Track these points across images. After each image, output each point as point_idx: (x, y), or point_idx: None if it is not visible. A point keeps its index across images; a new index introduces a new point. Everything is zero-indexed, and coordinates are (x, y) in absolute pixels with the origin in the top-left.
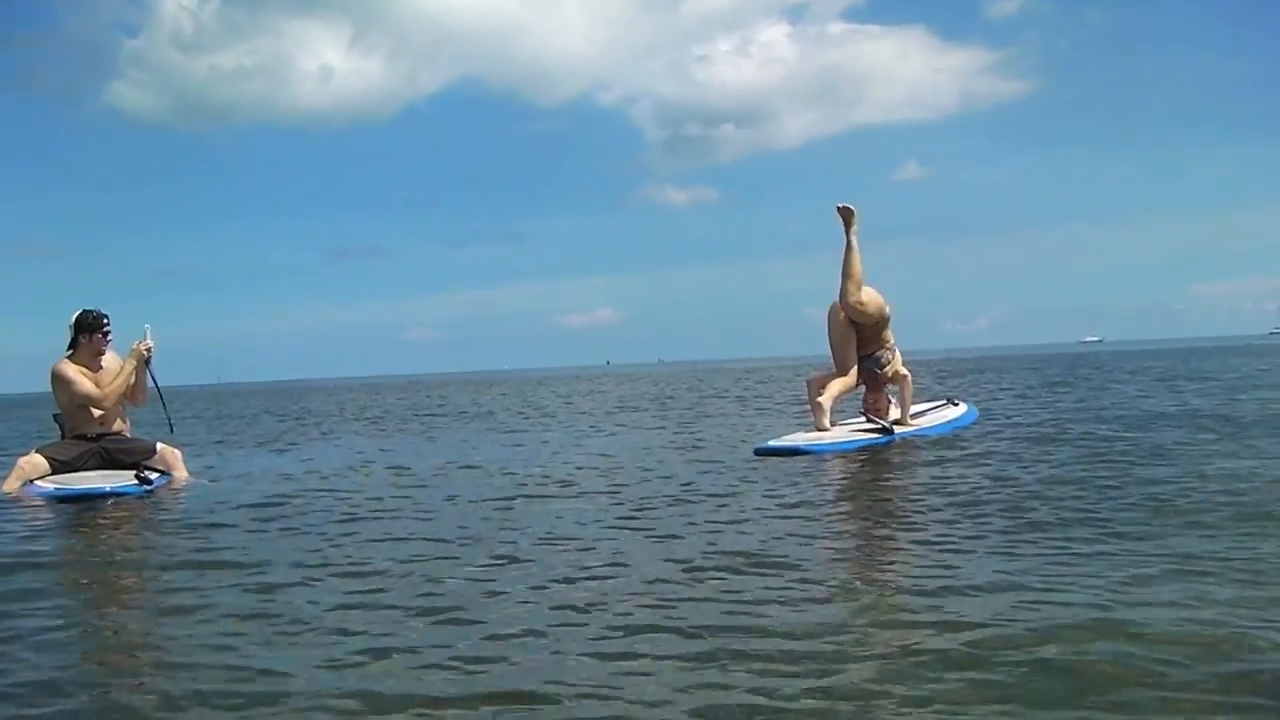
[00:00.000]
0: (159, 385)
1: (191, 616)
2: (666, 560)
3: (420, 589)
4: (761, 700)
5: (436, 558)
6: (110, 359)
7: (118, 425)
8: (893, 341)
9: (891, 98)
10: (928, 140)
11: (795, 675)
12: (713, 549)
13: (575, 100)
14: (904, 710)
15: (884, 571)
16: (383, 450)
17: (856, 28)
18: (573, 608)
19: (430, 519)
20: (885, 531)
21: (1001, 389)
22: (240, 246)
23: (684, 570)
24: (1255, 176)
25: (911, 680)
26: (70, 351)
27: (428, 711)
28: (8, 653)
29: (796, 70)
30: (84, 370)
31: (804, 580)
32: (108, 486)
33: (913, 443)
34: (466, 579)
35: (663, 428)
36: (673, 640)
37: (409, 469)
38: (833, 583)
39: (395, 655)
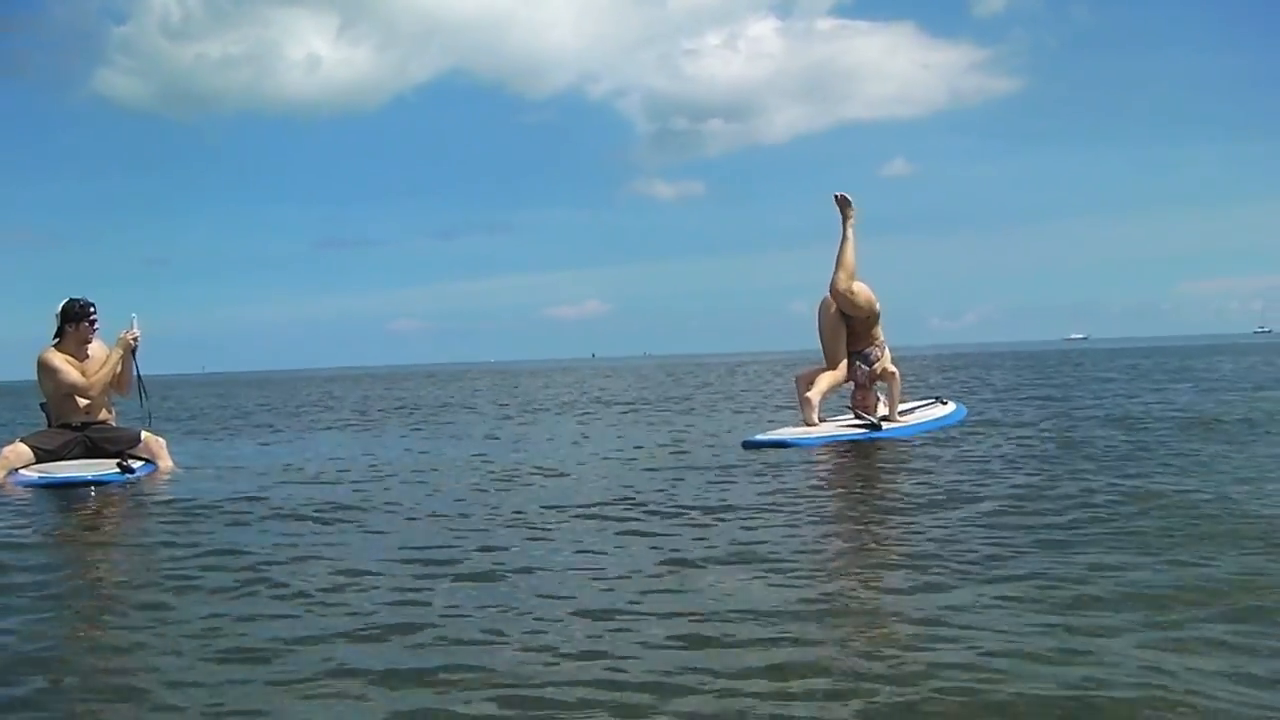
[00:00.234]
0: (141, 376)
1: (171, 602)
2: (652, 549)
3: (402, 579)
4: (747, 684)
5: (417, 548)
6: (97, 348)
7: (103, 414)
8: (883, 339)
9: (880, 94)
10: (915, 137)
11: (778, 663)
12: (698, 540)
13: (564, 92)
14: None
15: (863, 563)
16: (367, 441)
17: (845, 23)
18: (556, 597)
19: (412, 510)
20: (867, 524)
21: (987, 386)
22: (228, 235)
23: (668, 560)
24: (1243, 175)
25: (887, 668)
26: (56, 340)
27: (412, 694)
28: None
29: (785, 65)
30: (70, 359)
31: (786, 569)
32: (89, 475)
33: (899, 439)
34: (449, 566)
35: (650, 421)
36: (656, 629)
37: (392, 460)
38: (816, 573)
39: (378, 642)
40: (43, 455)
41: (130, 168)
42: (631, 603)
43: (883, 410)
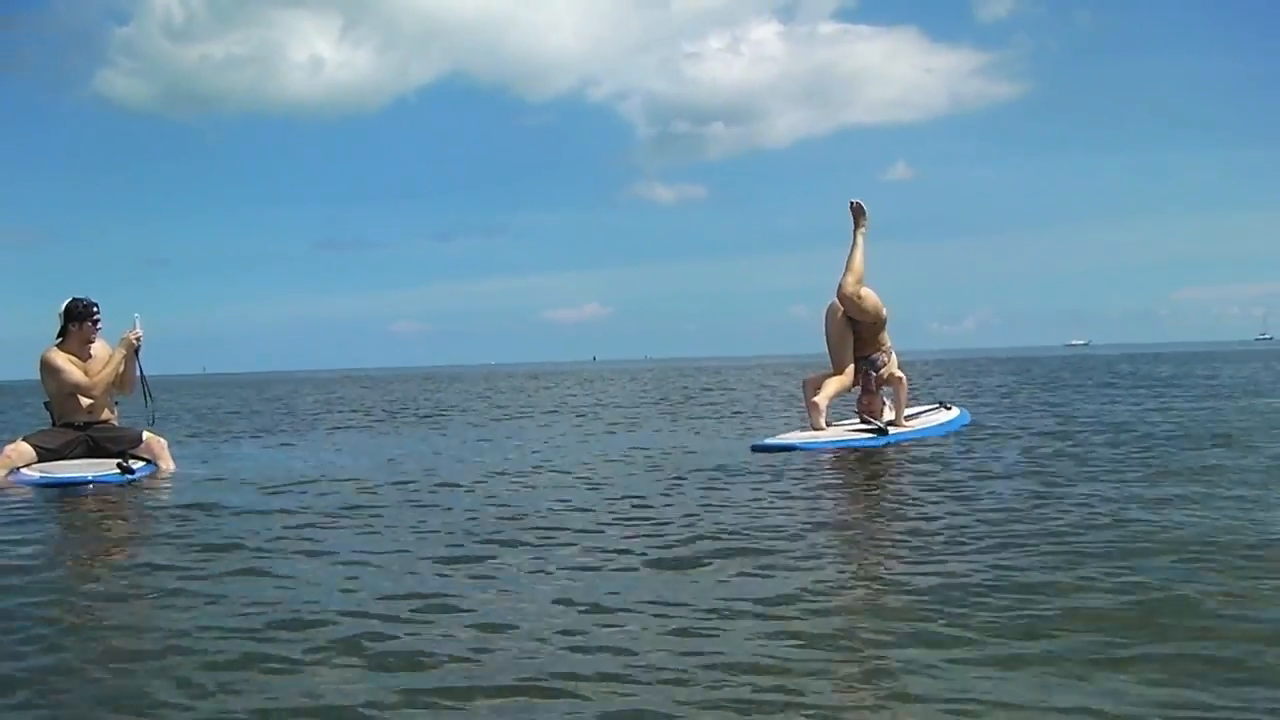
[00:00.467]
0: (145, 376)
1: (168, 601)
2: (663, 553)
3: (404, 576)
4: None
5: (420, 546)
6: (100, 347)
7: (106, 414)
8: (889, 344)
9: (881, 98)
10: (917, 141)
11: (780, 661)
12: (711, 545)
13: (565, 96)
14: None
15: (869, 565)
16: (369, 442)
17: (847, 28)
18: (563, 600)
19: (415, 509)
20: (874, 528)
21: (988, 391)
22: (228, 236)
23: (678, 564)
24: (1244, 181)
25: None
26: (60, 340)
27: (418, 695)
28: None
29: (787, 69)
30: (73, 359)
31: (792, 571)
32: (89, 475)
33: (906, 445)
34: (455, 567)
35: (654, 424)
36: (655, 632)
37: (395, 461)
38: (820, 579)
39: (384, 641)
40: (45, 454)
41: (131, 168)
42: (633, 605)
43: (888, 415)
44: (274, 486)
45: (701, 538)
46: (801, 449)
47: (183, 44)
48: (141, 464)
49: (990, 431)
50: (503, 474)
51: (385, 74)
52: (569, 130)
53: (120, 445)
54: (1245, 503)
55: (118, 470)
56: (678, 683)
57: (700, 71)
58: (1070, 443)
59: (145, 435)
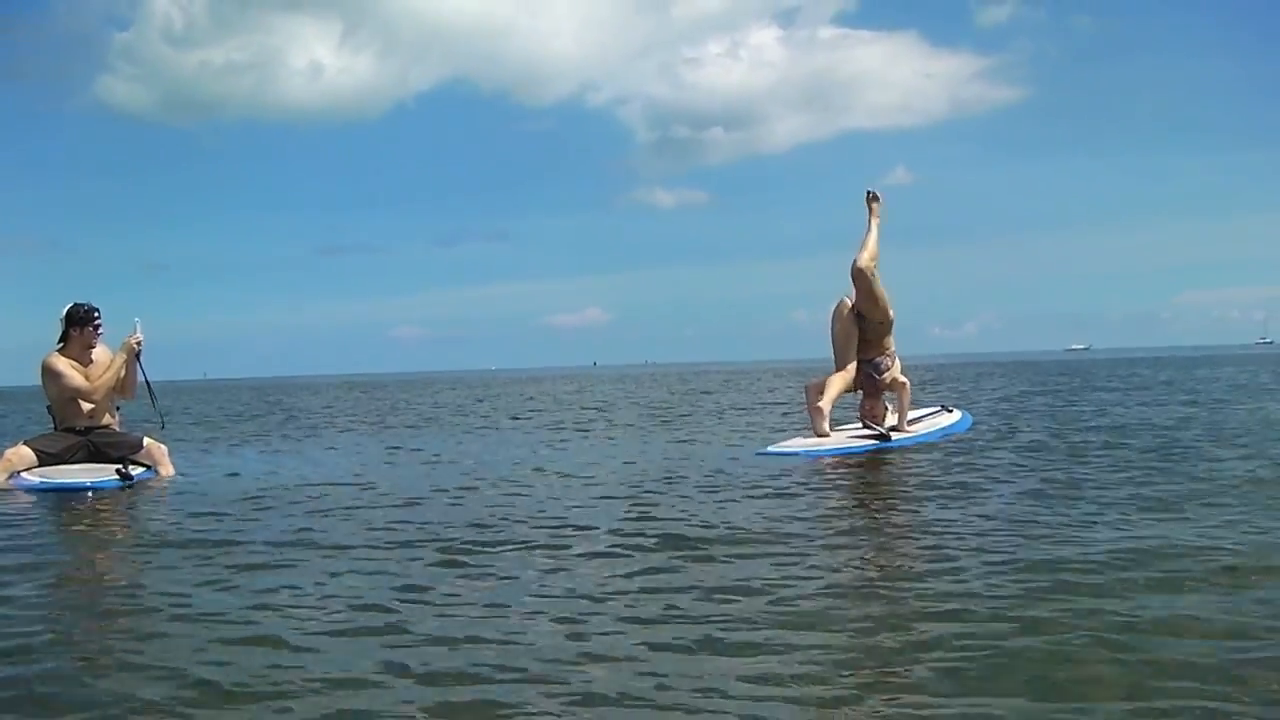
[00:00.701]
0: (149, 380)
1: (163, 607)
2: (659, 561)
3: (402, 579)
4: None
5: (418, 548)
6: (101, 352)
7: (107, 419)
8: (893, 349)
9: (881, 103)
10: (917, 146)
11: (783, 668)
12: (712, 551)
13: (565, 101)
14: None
15: (873, 574)
16: (368, 447)
17: (847, 32)
18: (565, 604)
19: (414, 513)
20: (879, 537)
21: (989, 395)
22: (228, 242)
23: (680, 569)
24: (1245, 185)
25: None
26: (61, 345)
27: (418, 692)
28: None
29: (787, 74)
30: (74, 363)
31: (796, 580)
32: (88, 481)
33: (910, 450)
34: (451, 570)
35: (659, 430)
36: (670, 642)
37: (394, 465)
38: (824, 586)
39: (383, 643)
40: (45, 459)
41: (131, 174)
42: (635, 608)
43: (891, 420)
44: (273, 491)
45: (705, 543)
46: (806, 456)
47: (183, 50)
48: (141, 470)
49: (991, 435)
50: (502, 479)
51: (385, 80)
52: (569, 136)
53: (120, 451)
54: (1235, 512)
55: (116, 476)
56: (678, 685)
57: (700, 76)
58: (1067, 446)
59: (146, 441)
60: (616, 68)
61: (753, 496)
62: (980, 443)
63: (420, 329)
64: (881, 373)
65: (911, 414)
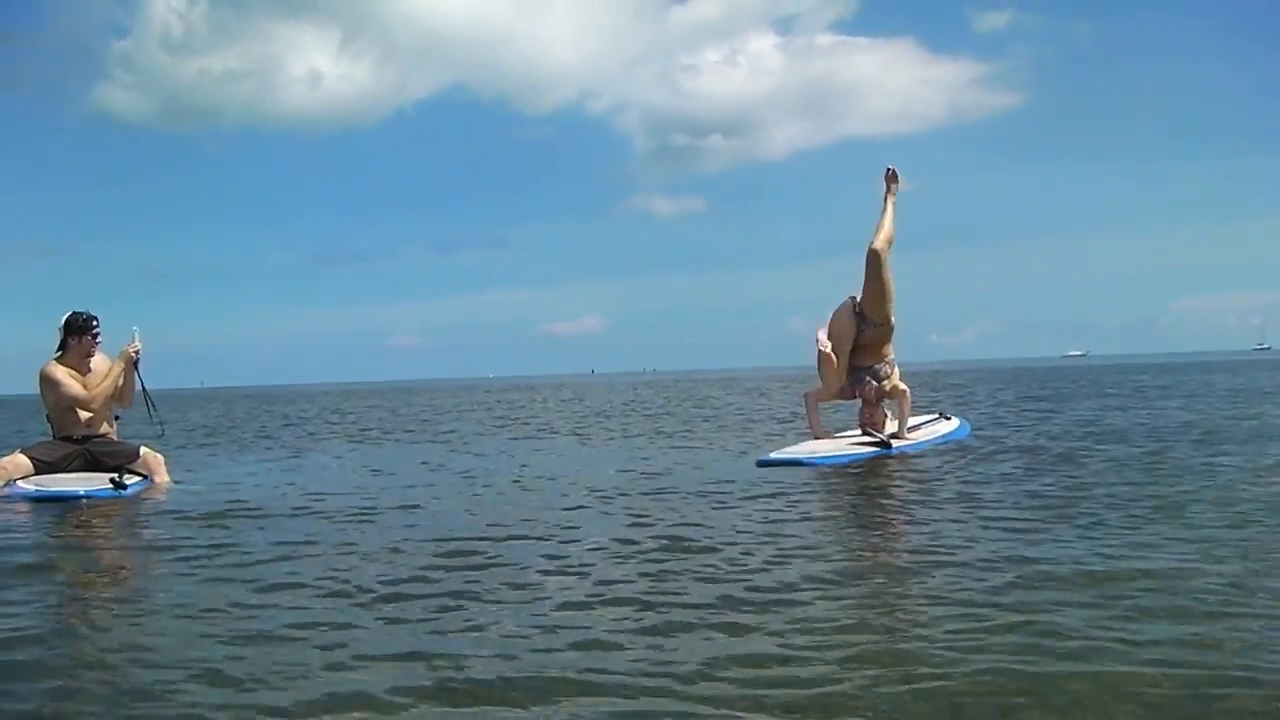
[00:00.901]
0: (147, 389)
1: (151, 616)
2: (673, 565)
3: (399, 585)
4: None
5: (415, 556)
6: (99, 361)
7: (105, 428)
8: (892, 357)
9: (880, 109)
10: (915, 152)
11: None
12: (707, 565)
13: (564, 108)
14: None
15: (876, 579)
16: (366, 455)
17: (845, 39)
18: (557, 624)
19: (413, 519)
20: (879, 544)
21: (987, 402)
22: (227, 250)
23: (684, 574)
24: (1243, 190)
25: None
26: (59, 353)
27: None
28: None
29: (785, 81)
30: (72, 372)
31: (796, 587)
32: (82, 490)
33: (910, 457)
34: (453, 572)
35: (660, 437)
36: (655, 649)
37: (392, 474)
38: (825, 593)
39: (370, 661)
40: (42, 467)
41: (130, 182)
42: (634, 613)
43: (891, 427)
44: (270, 500)
45: (708, 550)
46: (807, 464)
47: (181, 58)
48: (137, 479)
49: (989, 442)
50: (501, 486)
51: (384, 87)
52: (568, 143)
53: (117, 460)
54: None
55: (110, 485)
56: (678, 689)
57: (698, 84)
58: (1064, 454)
59: (142, 450)
60: (615, 75)
61: (754, 504)
62: (979, 450)
63: (419, 337)
64: (881, 380)
65: (910, 421)
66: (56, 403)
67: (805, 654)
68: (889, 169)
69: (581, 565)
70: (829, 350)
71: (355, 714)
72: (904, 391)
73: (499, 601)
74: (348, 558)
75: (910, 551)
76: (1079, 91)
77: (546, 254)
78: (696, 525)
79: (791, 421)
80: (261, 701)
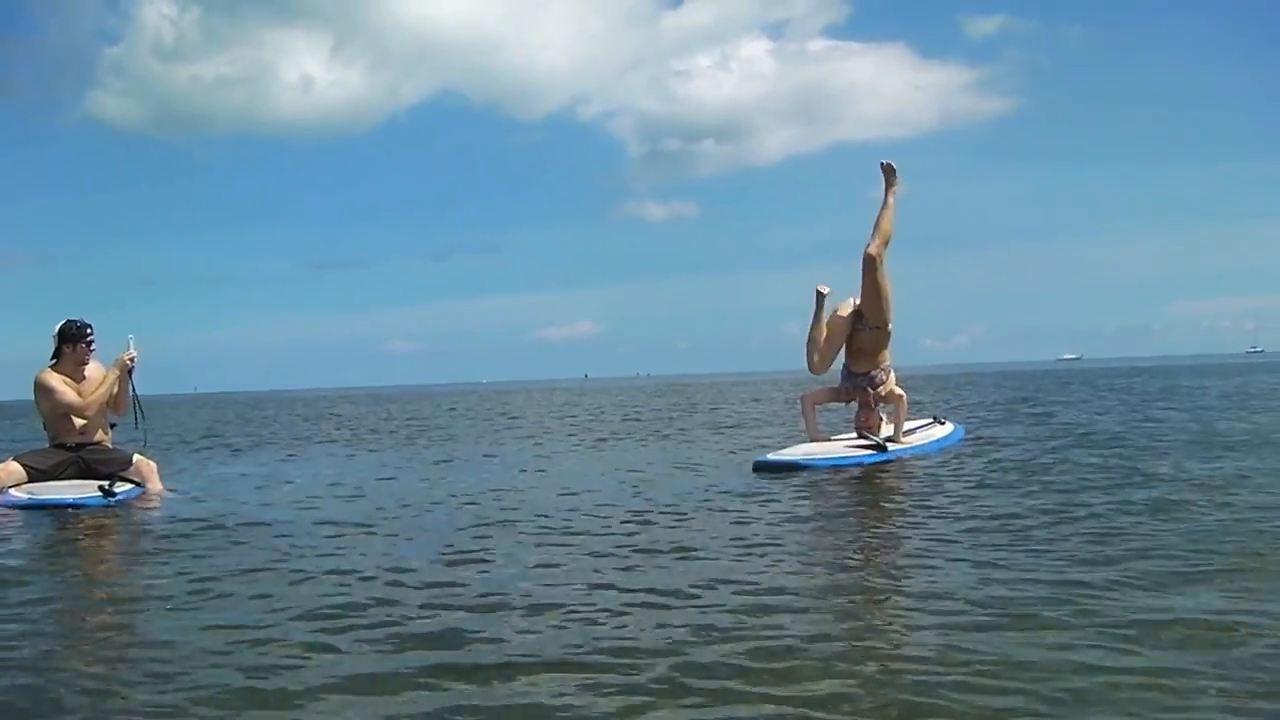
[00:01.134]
0: (138, 397)
1: (139, 623)
2: (671, 567)
3: (398, 588)
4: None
5: (417, 560)
6: (94, 369)
7: (99, 435)
8: (888, 362)
9: (871, 115)
10: (907, 157)
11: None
12: (717, 560)
13: (556, 114)
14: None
15: (870, 581)
16: (361, 460)
17: (837, 45)
18: (561, 616)
19: (412, 524)
20: (876, 546)
21: (980, 406)
22: (219, 256)
23: (685, 576)
24: (1235, 194)
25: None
26: (54, 361)
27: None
28: None
29: (777, 87)
30: (67, 379)
31: (799, 593)
32: (71, 498)
33: (904, 461)
34: (452, 576)
35: (656, 441)
36: (669, 665)
37: (386, 479)
38: (824, 600)
39: (361, 675)
40: (35, 475)
41: (123, 188)
42: (633, 617)
43: (886, 431)
44: (261, 507)
45: (704, 551)
46: (804, 465)
47: (173, 64)
48: (130, 486)
49: (983, 446)
50: (497, 491)
51: (376, 93)
52: (560, 149)
53: (111, 468)
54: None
55: (99, 493)
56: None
57: (690, 89)
58: (1057, 458)
59: (135, 458)
60: (607, 81)
61: (750, 506)
62: (972, 454)
63: (412, 343)
64: (877, 385)
65: (906, 425)
66: (51, 410)
67: (806, 657)
68: (885, 163)
69: (580, 571)
70: (827, 291)
71: None
72: (900, 396)
73: (499, 605)
74: (340, 565)
75: (906, 556)
76: (1071, 96)
77: (539, 259)
78: (690, 527)
79: (785, 424)
80: (249, 707)
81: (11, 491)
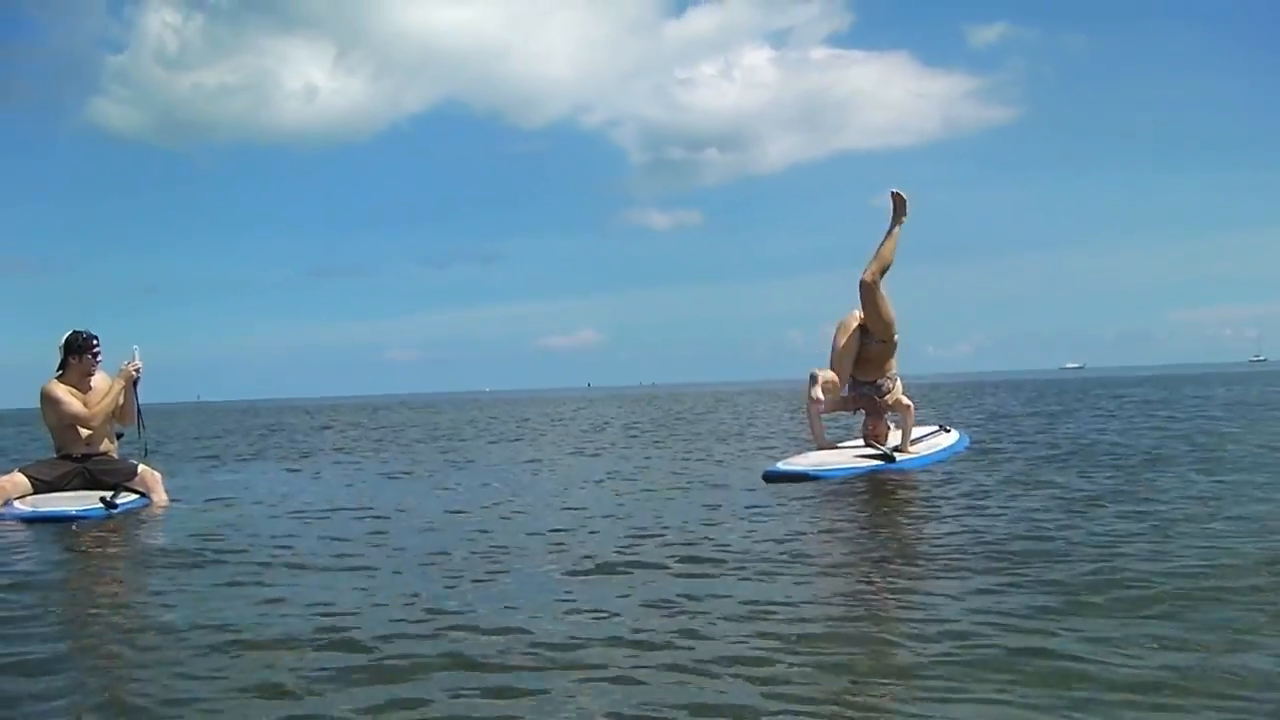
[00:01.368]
0: (140, 408)
1: (141, 635)
2: (682, 578)
3: (392, 613)
4: None
5: (421, 569)
6: (99, 379)
7: (105, 445)
8: (894, 371)
9: (874, 123)
10: (910, 166)
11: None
12: (729, 571)
13: (558, 122)
14: None
15: (882, 592)
16: (364, 472)
17: (840, 53)
18: (561, 643)
19: (416, 535)
20: (888, 557)
21: (983, 414)
22: (221, 264)
23: (700, 585)
24: (1236, 202)
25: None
26: (60, 372)
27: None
28: None
29: (780, 95)
30: (73, 390)
31: (813, 601)
32: (73, 510)
33: (914, 471)
34: (453, 588)
35: (663, 449)
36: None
37: (393, 486)
38: (837, 612)
39: (359, 687)
40: (40, 486)
41: (124, 196)
42: (645, 627)
43: (894, 440)
44: (265, 517)
45: (715, 562)
46: (813, 476)
47: (176, 72)
48: (134, 497)
49: (989, 454)
50: (503, 501)
51: (379, 101)
52: (562, 157)
53: (115, 478)
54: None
55: (101, 505)
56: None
57: (693, 98)
58: (1063, 467)
59: (140, 468)
60: (610, 89)
61: (761, 517)
62: (979, 464)
63: (414, 351)
64: (884, 395)
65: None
66: (57, 421)
67: (808, 668)
68: (896, 194)
69: (590, 582)
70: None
71: None
72: (908, 406)
73: (508, 609)
74: (346, 581)
75: (910, 564)
76: (1073, 105)
77: (542, 268)
78: (702, 538)
79: (792, 434)
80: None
81: (15, 504)
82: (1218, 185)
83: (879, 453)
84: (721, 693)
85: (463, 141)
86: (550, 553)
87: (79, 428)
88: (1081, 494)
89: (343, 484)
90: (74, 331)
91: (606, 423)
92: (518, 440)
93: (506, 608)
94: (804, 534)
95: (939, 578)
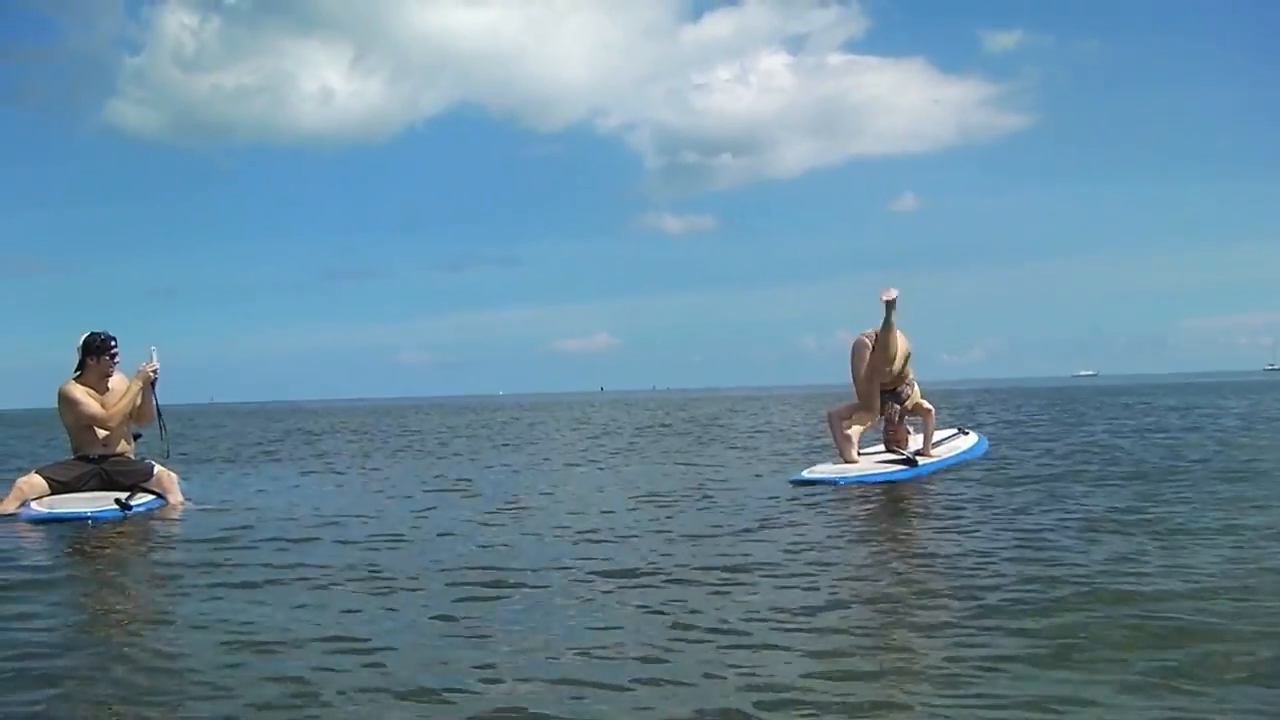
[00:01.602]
0: (160, 409)
1: (157, 633)
2: (709, 584)
3: (407, 621)
4: None
5: (431, 576)
6: (117, 380)
7: (122, 446)
8: (912, 377)
9: (890, 129)
10: (925, 172)
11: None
12: (757, 577)
13: (574, 126)
14: None
15: (910, 596)
16: (378, 475)
17: (856, 59)
18: (584, 651)
19: (429, 542)
20: (915, 561)
21: (998, 420)
22: (236, 266)
23: (727, 591)
24: (1253, 210)
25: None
26: (78, 373)
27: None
28: None
29: (796, 100)
30: (90, 391)
31: (843, 607)
32: (89, 511)
33: (937, 475)
34: (471, 594)
35: (683, 458)
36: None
37: (408, 491)
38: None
39: (376, 691)
40: (57, 487)
41: (141, 197)
42: (668, 634)
43: (914, 444)
44: (279, 519)
45: (743, 570)
46: (839, 483)
47: (194, 74)
48: (150, 498)
49: (1008, 458)
50: (523, 507)
51: (395, 104)
52: (578, 161)
53: (132, 479)
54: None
55: (116, 506)
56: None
57: (709, 102)
58: (1079, 473)
59: (156, 469)
60: (625, 93)
61: (789, 523)
62: (1001, 469)
63: (428, 353)
64: (903, 400)
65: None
66: (75, 422)
67: (830, 673)
68: (888, 299)
69: (615, 589)
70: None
71: None
72: (928, 410)
73: (531, 621)
74: (362, 585)
75: (938, 570)
76: (1088, 112)
77: (556, 271)
78: (729, 545)
79: (813, 439)
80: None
81: (31, 505)
82: (1233, 193)
83: (901, 457)
84: (727, 697)
85: (478, 144)
86: (567, 564)
87: (96, 429)
88: (1099, 507)
89: (358, 488)
90: (92, 333)
91: (620, 427)
92: (538, 444)
93: (523, 615)
94: (825, 535)
95: (956, 590)
